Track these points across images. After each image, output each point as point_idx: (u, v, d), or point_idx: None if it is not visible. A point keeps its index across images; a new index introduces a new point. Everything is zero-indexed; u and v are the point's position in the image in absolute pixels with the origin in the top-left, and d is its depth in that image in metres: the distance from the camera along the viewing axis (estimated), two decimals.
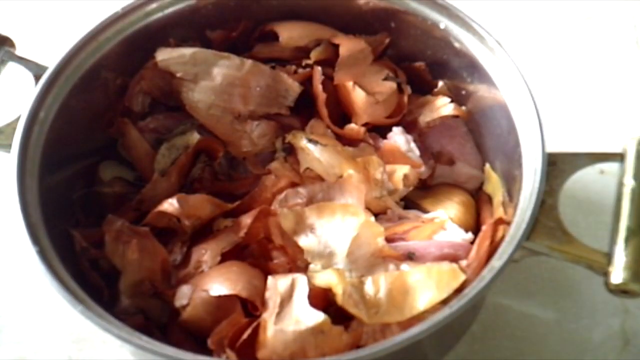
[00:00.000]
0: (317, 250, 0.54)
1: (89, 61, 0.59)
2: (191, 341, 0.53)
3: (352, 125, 0.62)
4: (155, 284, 0.55)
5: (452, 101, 0.63)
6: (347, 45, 0.63)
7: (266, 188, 0.60)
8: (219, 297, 0.52)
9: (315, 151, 0.60)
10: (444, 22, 0.60)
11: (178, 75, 0.61)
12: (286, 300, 0.51)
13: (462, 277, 0.51)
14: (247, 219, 0.56)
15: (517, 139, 0.54)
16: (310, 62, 0.64)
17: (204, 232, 0.58)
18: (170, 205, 0.56)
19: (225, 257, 0.55)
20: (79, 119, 0.60)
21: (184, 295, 0.53)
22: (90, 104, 0.60)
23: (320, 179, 0.60)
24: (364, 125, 0.62)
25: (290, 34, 0.64)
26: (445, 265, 0.52)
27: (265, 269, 0.55)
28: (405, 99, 0.64)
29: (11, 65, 0.60)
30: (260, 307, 0.52)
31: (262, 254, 0.56)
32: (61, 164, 0.58)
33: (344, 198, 0.58)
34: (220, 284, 0.52)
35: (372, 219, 0.56)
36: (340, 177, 0.59)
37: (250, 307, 0.52)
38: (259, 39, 0.66)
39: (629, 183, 0.51)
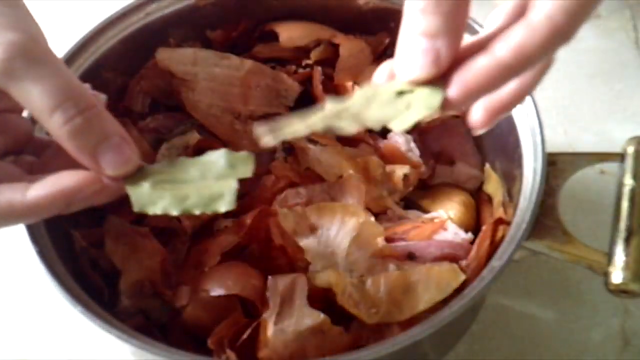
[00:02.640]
0: (317, 250, 0.54)
1: (89, 61, 0.59)
2: (191, 341, 0.53)
3: None
4: (155, 284, 0.55)
5: None
6: (347, 45, 0.63)
7: (266, 188, 0.60)
8: (219, 297, 0.52)
9: (315, 151, 0.60)
10: None
11: (178, 75, 0.61)
12: (286, 300, 0.51)
13: (462, 277, 0.51)
14: (247, 219, 0.56)
15: (517, 139, 0.54)
16: (310, 62, 0.64)
17: (203, 232, 0.58)
18: None
19: (226, 257, 0.55)
20: None
21: (183, 295, 0.53)
22: None
23: (320, 179, 0.60)
24: None
25: (290, 34, 0.64)
26: (445, 265, 0.53)
27: (265, 269, 0.55)
28: None
29: None
30: (260, 307, 0.52)
31: (262, 254, 0.56)
32: None
33: (344, 198, 0.58)
34: (219, 284, 0.52)
35: (372, 219, 0.56)
36: (340, 177, 0.59)
37: (250, 307, 0.52)
38: (259, 39, 0.66)
39: (629, 183, 0.51)
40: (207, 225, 0.58)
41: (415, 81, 0.37)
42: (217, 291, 0.52)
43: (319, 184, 0.59)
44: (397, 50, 0.38)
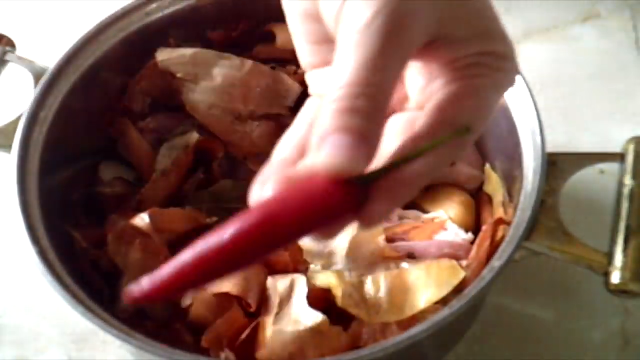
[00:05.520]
0: (317, 250, 0.54)
1: (89, 61, 0.59)
2: (191, 341, 0.53)
3: None
4: None
5: None
6: None
7: None
8: (217, 295, 0.52)
9: None
10: None
11: (178, 75, 0.61)
12: (285, 300, 0.51)
13: (462, 274, 0.51)
14: None
15: (517, 139, 0.54)
16: None
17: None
18: (140, 220, 0.55)
19: None
20: (79, 119, 0.60)
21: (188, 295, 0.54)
22: (90, 104, 0.60)
23: None
24: None
25: (287, 36, 0.63)
26: (445, 262, 0.52)
27: (268, 267, 0.54)
28: None
29: (11, 65, 0.60)
30: (252, 304, 0.51)
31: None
32: (61, 164, 0.58)
33: None
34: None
35: None
36: None
37: (244, 304, 0.52)
38: (259, 39, 0.66)
39: (629, 183, 0.51)
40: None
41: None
42: (212, 288, 0.52)
43: None
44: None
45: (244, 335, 0.50)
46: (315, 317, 0.49)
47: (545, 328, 0.61)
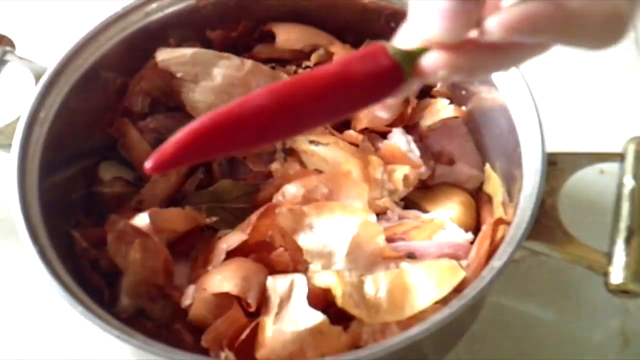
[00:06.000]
0: (317, 250, 0.54)
1: (89, 61, 0.59)
2: (192, 341, 0.53)
3: (351, 132, 0.62)
4: (159, 284, 0.55)
5: (451, 102, 0.63)
6: (341, 55, 0.63)
7: (271, 190, 0.59)
8: (217, 295, 0.52)
9: (320, 151, 0.60)
10: None
11: (178, 75, 0.61)
12: (285, 300, 0.51)
13: (462, 274, 0.51)
14: (253, 217, 0.56)
15: (517, 139, 0.54)
16: (310, 63, 0.64)
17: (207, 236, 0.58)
18: (140, 220, 0.55)
19: (233, 256, 0.55)
20: (79, 119, 0.60)
21: (188, 295, 0.54)
22: (90, 104, 0.60)
23: None
24: (364, 130, 0.62)
25: (287, 36, 0.64)
26: (445, 262, 0.52)
27: (269, 267, 0.54)
28: (410, 109, 0.63)
29: (11, 65, 0.60)
30: (252, 304, 0.51)
31: (267, 252, 0.56)
32: (61, 164, 0.58)
33: (344, 194, 0.57)
34: (216, 281, 0.52)
35: (374, 217, 0.56)
36: (344, 172, 0.59)
37: (244, 304, 0.52)
38: (259, 39, 0.66)
39: (629, 183, 0.51)
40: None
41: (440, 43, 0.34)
42: (212, 289, 0.52)
43: (315, 176, 0.59)
44: (417, 9, 0.34)
45: (244, 335, 0.50)
46: (315, 317, 0.49)
47: (545, 328, 0.61)
